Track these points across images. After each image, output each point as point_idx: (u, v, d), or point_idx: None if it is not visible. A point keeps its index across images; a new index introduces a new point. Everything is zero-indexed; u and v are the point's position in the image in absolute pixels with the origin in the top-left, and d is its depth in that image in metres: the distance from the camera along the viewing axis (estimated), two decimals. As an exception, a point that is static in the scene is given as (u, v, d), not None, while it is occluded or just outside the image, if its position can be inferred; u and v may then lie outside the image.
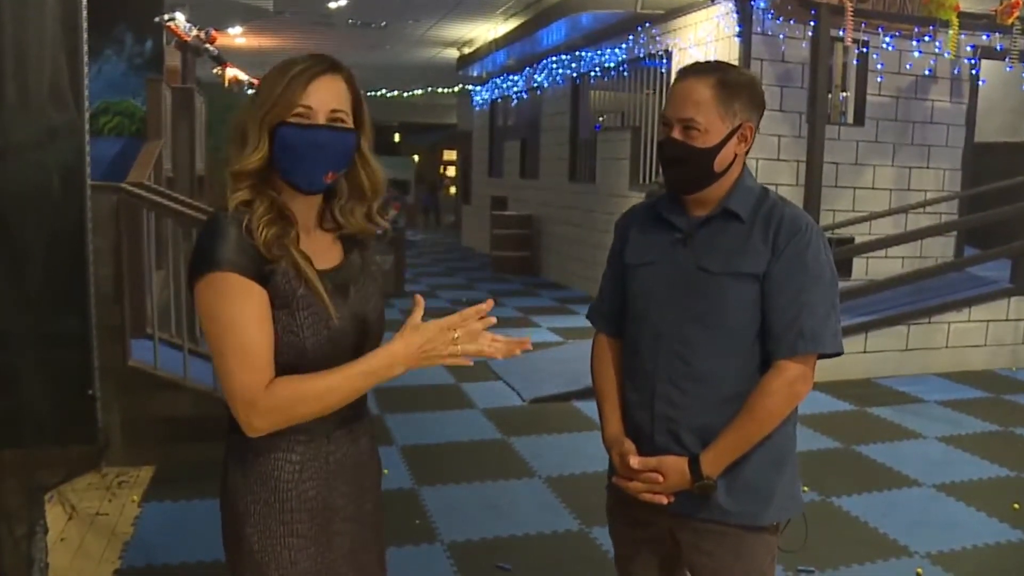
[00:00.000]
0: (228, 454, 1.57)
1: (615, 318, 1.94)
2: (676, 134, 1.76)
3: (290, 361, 1.47)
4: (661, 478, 1.76)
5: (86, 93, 2.94)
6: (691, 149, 1.74)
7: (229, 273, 1.44)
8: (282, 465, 1.53)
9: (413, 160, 26.86)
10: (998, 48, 7.73)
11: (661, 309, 1.81)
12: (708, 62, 1.82)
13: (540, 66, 12.31)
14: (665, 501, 1.77)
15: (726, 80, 1.74)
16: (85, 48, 2.92)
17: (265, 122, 1.48)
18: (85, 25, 2.90)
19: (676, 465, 1.75)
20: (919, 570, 3.47)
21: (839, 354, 1.77)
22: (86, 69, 2.94)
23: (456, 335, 1.47)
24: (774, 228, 1.74)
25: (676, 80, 1.79)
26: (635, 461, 1.78)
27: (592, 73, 10.82)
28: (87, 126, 2.97)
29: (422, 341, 1.46)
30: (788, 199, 1.86)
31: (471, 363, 1.51)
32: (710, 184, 1.78)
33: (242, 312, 1.44)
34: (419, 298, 1.51)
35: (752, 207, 1.78)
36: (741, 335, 1.75)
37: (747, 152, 1.82)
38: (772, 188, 1.87)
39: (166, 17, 7.68)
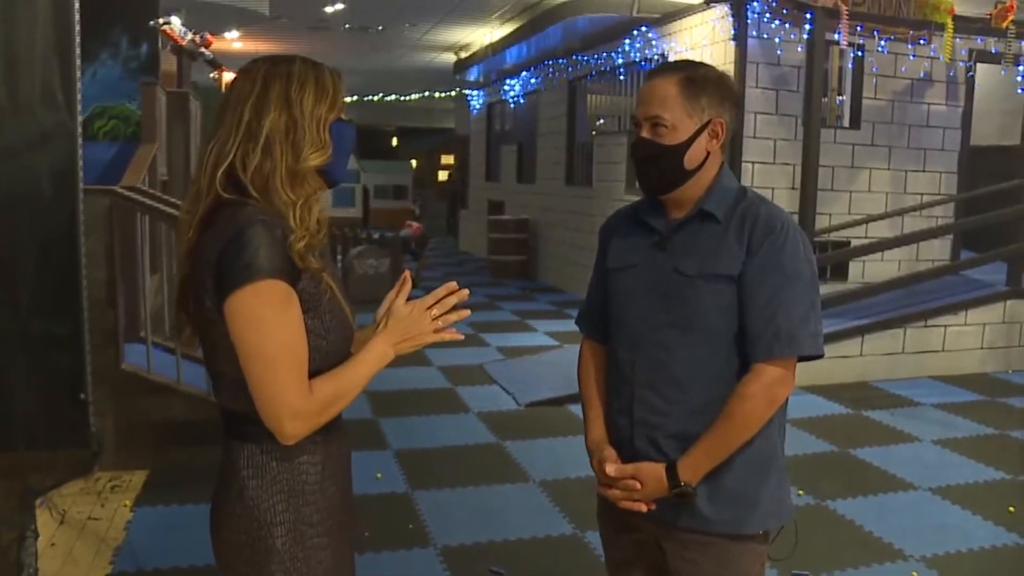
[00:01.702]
0: (240, 465, 1.51)
1: (600, 323, 1.92)
2: (645, 133, 1.75)
3: (315, 366, 1.48)
4: (639, 485, 1.73)
5: (79, 96, 2.93)
6: (660, 147, 1.73)
7: (279, 281, 1.42)
8: (307, 468, 1.53)
9: (411, 164, 26.87)
10: (993, 51, 7.74)
11: (639, 313, 1.78)
12: (675, 61, 1.81)
13: (536, 70, 12.32)
14: (644, 508, 1.74)
15: (691, 76, 1.72)
16: (78, 51, 2.91)
17: (328, 120, 1.51)
18: (78, 28, 2.90)
19: (653, 472, 1.72)
20: (914, 574, 3.46)
21: (819, 356, 1.73)
22: (79, 72, 2.93)
23: (435, 314, 1.56)
24: (748, 227, 1.71)
25: (644, 81, 1.79)
26: (611, 469, 1.76)
27: (589, 77, 10.83)
28: (79, 129, 2.96)
29: (405, 327, 1.55)
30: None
31: (462, 336, 1.60)
32: (683, 183, 1.75)
33: (292, 321, 1.43)
34: (408, 274, 1.60)
35: (728, 207, 1.75)
36: (719, 339, 1.71)
37: (723, 149, 1.78)
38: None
39: (161, 21, 7.69)
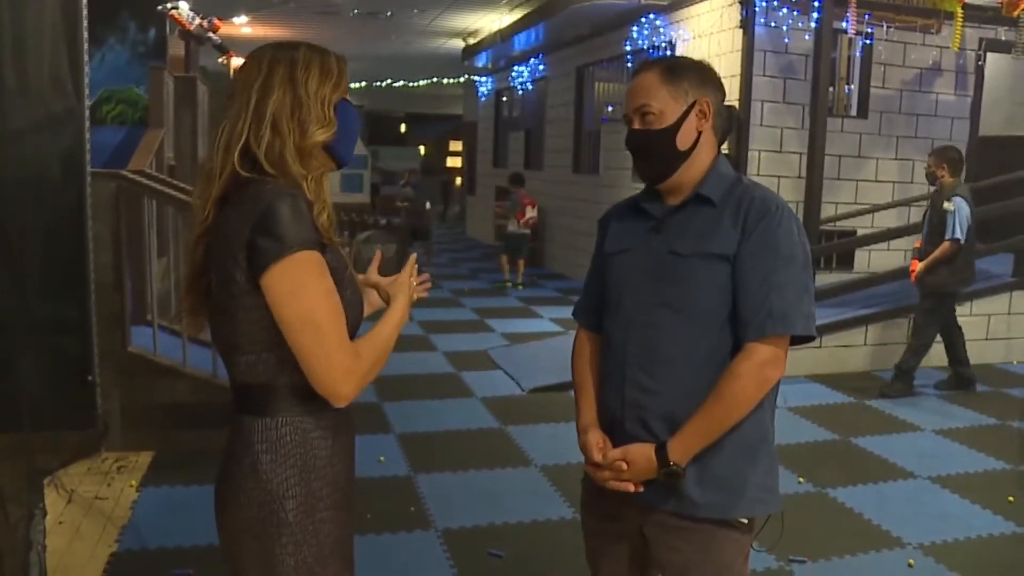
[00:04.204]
0: (254, 439, 1.54)
1: (595, 312, 1.94)
2: (636, 125, 1.80)
3: None
4: (626, 466, 1.74)
5: (86, 80, 2.95)
6: (651, 133, 1.78)
7: (313, 251, 1.49)
8: (319, 443, 1.57)
9: (419, 151, 26.84)
10: (1003, 40, 7.68)
11: (633, 296, 1.81)
12: (655, 57, 1.90)
13: (544, 57, 12.29)
14: (632, 489, 1.75)
15: (671, 65, 1.80)
16: (85, 35, 2.93)
17: (332, 99, 1.57)
18: (85, 12, 2.92)
19: (642, 452, 1.73)
20: (911, 561, 3.49)
21: (812, 338, 1.74)
22: (86, 56, 2.95)
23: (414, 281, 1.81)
24: (744, 210, 1.73)
25: (629, 79, 1.86)
26: (599, 455, 1.78)
27: (596, 64, 10.80)
28: (87, 113, 2.99)
29: (408, 291, 1.75)
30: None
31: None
32: (678, 166, 1.78)
33: (331, 288, 1.50)
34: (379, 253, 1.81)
35: (724, 192, 1.78)
36: (710, 318, 1.73)
37: (715, 130, 1.81)
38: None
39: (169, 6, 7.71)
